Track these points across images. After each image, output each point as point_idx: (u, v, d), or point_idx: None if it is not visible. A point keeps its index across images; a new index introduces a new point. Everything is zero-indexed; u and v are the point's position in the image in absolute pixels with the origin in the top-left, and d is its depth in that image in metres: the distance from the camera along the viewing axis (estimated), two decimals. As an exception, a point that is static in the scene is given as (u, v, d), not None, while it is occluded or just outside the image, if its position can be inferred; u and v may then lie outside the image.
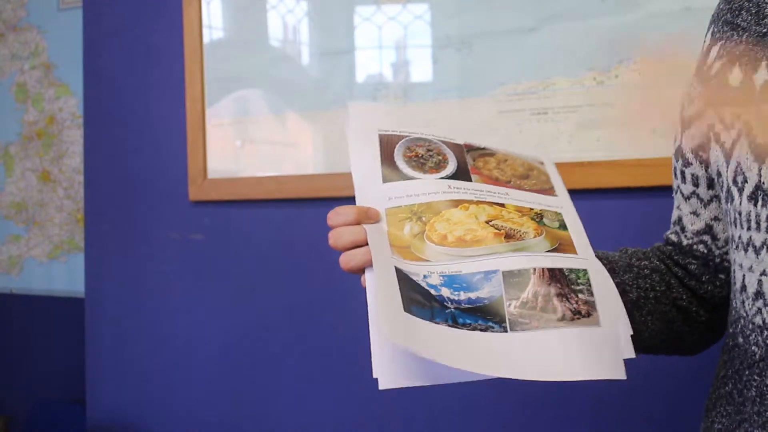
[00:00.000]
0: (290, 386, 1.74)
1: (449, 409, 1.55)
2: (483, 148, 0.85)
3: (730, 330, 0.76)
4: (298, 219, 1.72)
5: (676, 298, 0.86)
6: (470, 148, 0.85)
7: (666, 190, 1.33)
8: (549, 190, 0.83)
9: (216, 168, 1.78)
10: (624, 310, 0.72)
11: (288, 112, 1.71)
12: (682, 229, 0.87)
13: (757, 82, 0.70)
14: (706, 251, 0.85)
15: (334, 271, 1.75)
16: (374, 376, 0.69)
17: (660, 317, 0.84)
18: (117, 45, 1.93)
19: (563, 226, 0.79)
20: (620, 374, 0.68)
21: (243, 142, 1.77)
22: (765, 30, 0.73)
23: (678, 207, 0.88)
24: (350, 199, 1.76)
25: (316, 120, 1.68)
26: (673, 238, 0.89)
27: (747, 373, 0.71)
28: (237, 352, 1.80)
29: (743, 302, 0.72)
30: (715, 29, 0.81)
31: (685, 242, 0.87)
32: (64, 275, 2.61)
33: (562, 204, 0.82)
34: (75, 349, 2.26)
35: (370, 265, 0.73)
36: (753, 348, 0.70)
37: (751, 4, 0.76)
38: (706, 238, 0.85)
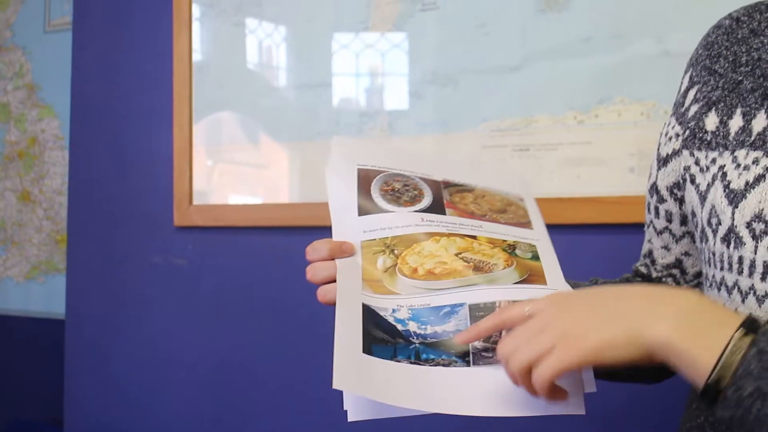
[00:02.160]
0: (270, 411, 1.75)
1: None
2: (461, 185, 0.87)
3: None
4: (281, 246, 1.74)
5: None
6: (448, 185, 0.86)
7: (643, 227, 1.37)
8: (526, 224, 0.85)
9: (197, 192, 1.80)
10: None
11: (272, 141, 1.74)
12: (653, 262, 0.90)
13: (731, 128, 0.74)
14: (674, 284, 0.88)
15: (315, 298, 1.76)
16: (344, 408, 0.71)
17: None
18: (105, 68, 1.95)
19: (536, 257, 0.81)
20: (580, 410, 0.70)
21: (224, 169, 1.80)
22: (740, 78, 0.77)
23: (649, 240, 0.90)
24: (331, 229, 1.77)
25: (302, 150, 1.71)
26: (643, 270, 0.91)
27: None
28: (217, 377, 1.81)
29: None
30: (694, 73, 0.84)
31: (654, 275, 0.89)
32: (41, 296, 2.60)
33: (537, 237, 0.84)
34: (52, 370, 2.25)
35: None
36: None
37: (728, 53, 0.80)
38: (675, 271, 0.88)
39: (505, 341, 0.67)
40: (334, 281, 0.78)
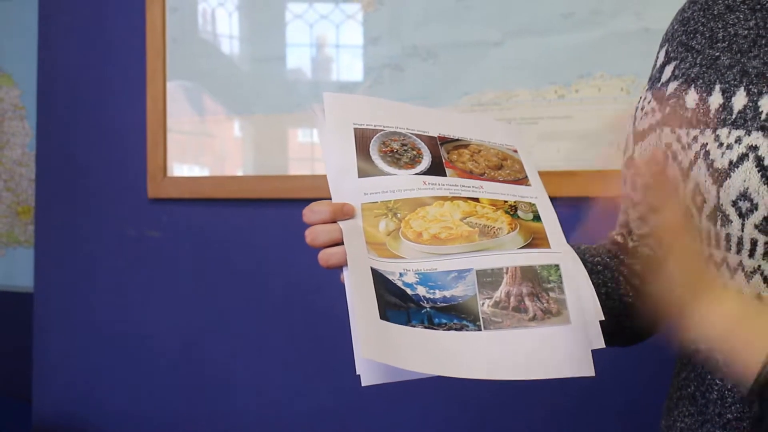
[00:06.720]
0: (245, 385, 1.76)
1: (405, 397, 1.59)
2: (457, 140, 0.86)
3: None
4: (256, 218, 1.74)
5: (623, 294, 0.89)
6: (444, 141, 0.85)
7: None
8: (523, 180, 0.85)
9: (171, 165, 1.79)
10: (596, 298, 0.75)
11: (250, 114, 1.73)
12: (629, 232, 0.90)
13: (711, 106, 0.75)
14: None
15: (291, 269, 1.77)
16: (357, 373, 0.71)
17: (609, 311, 0.87)
18: (74, 37, 1.91)
19: (537, 218, 0.81)
20: (589, 371, 0.72)
21: (200, 142, 1.78)
22: (718, 54, 0.77)
23: (625, 211, 0.91)
24: (310, 201, 1.77)
25: (280, 122, 1.70)
26: (619, 239, 0.91)
27: (709, 377, 0.76)
28: (191, 350, 1.80)
29: None
30: (670, 48, 0.84)
31: (630, 244, 0.90)
32: (2, 269, 2.56)
33: (536, 194, 0.84)
34: (15, 344, 2.22)
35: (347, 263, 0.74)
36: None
37: (705, 29, 0.80)
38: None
39: None
40: (336, 245, 0.76)
